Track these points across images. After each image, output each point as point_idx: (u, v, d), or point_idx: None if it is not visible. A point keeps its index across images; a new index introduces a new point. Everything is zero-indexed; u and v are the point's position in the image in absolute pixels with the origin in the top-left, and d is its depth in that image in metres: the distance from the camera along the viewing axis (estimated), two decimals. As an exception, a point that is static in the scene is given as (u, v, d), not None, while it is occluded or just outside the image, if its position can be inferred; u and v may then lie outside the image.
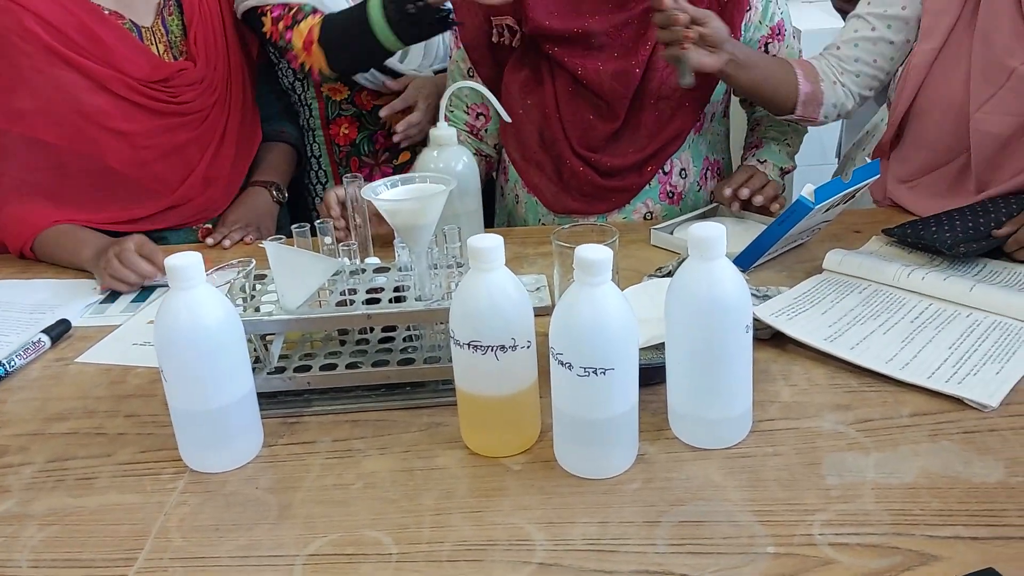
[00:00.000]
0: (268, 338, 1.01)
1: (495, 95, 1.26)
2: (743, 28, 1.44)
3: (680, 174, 1.50)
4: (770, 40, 1.47)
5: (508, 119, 1.28)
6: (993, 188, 1.36)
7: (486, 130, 1.57)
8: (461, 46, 1.52)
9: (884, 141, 1.49)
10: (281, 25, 1.58)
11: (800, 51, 1.52)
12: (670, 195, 1.51)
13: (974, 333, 1.05)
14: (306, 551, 0.79)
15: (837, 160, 1.76)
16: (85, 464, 0.94)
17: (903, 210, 1.47)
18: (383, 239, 1.23)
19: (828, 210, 1.24)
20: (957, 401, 0.94)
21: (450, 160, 1.24)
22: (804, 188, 1.16)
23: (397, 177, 0.99)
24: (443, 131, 1.25)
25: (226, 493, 0.88)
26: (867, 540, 0.76)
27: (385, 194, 0.96)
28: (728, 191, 1.41)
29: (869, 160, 1.23)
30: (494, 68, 1.50)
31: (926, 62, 1.38)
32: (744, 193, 1.40)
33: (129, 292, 1.34)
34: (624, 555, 0.76)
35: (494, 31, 1.48)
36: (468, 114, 1.56)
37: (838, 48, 1.46)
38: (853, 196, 1.26)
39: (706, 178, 1.55)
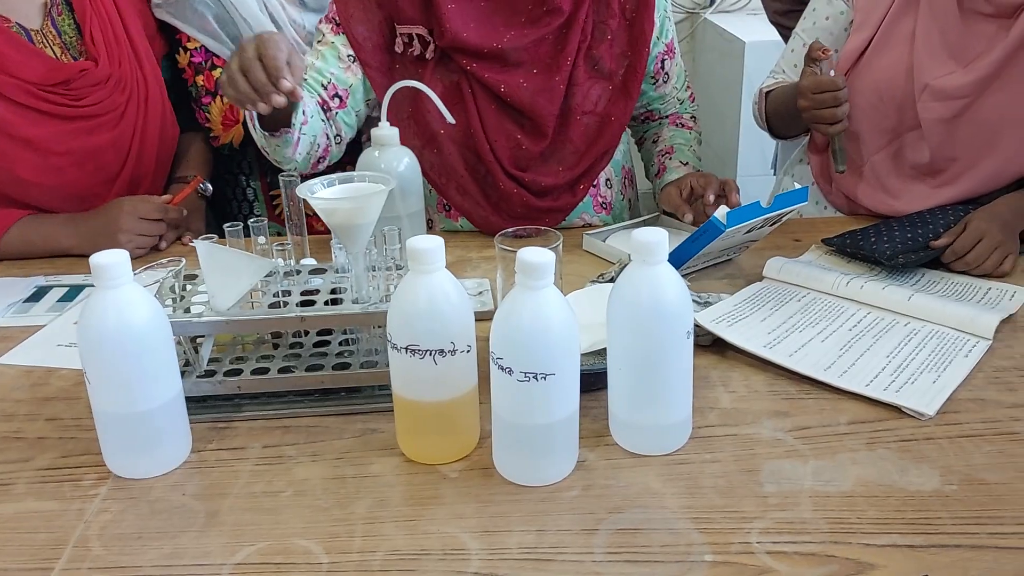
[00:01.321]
0: (198, 340, 0.97)
1: (380, 104, 1.23)
2: (651, 44, 1.45)
3: (607, 184, 1.50)
4: (666, 56, 1.49)
5: (452, 120, 1.26)
6: (949, 174, 1.39)
7: (337, 114, 1.42)
8: (342, 33, 1.41)
9: (820, 140, 1.51)
10: (200, 79, 1.56)
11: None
12: (604, 206, 1.50)
13: (912, 342, 1.06)
14: (233, 560, 0.76)
15: (773, 172, 1.77)
16: (1, 470, 0.89)
17: (844, 217, 1.49)
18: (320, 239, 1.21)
19: (751, 231, 1.23)
20: (894, 409, 0.94)
21: (392, 160, 1.22)
22: (718, 210, 1.15)
23: (335, 175, 0.97)
24: (385, 131, 1.23)
25: (151, 500, 0.84)
26: (804, 548, 0.76)
27: (322, 193, 0.94)
28: (678, 192, 1.39)
29: (797, 185, 1.22)
30: (387, 76, 1.41)
31: (857, 50, 1.41)
32: (699, 193, 1.37)
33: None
34: (560, 564, 0.75)
35: (398, 39, 1.40)
36: (326, 90, 1.41)
37: (783, 72, 1.49)
38: (779, 220, 1.25)
39: (625, 185, 1.55)
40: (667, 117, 1.59)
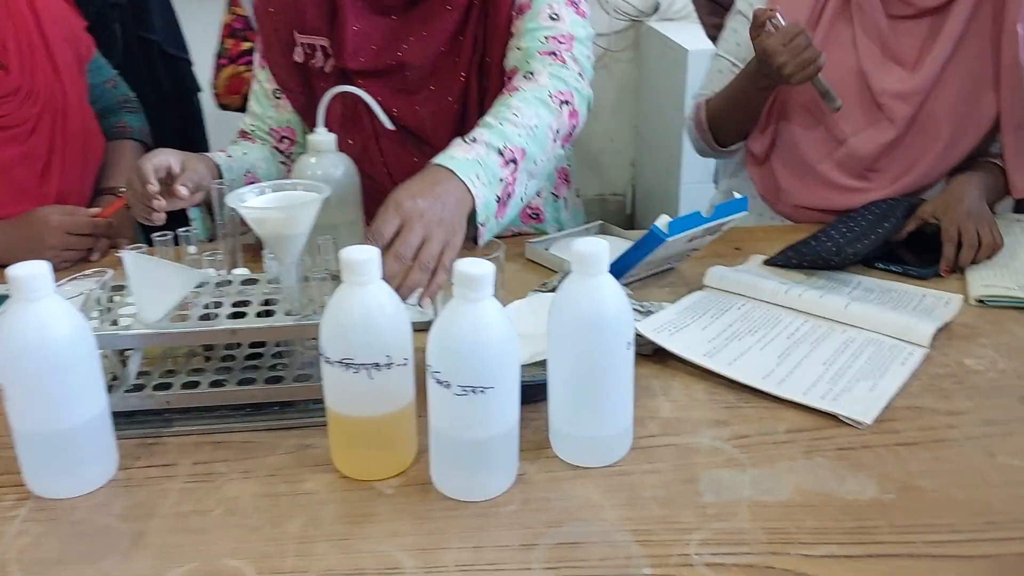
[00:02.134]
0: (126, 353, 0.94)
1: (308, 123, 1.21)
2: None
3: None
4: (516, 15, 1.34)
5: (392, 126, 1.24)
6: (896, 170, 1.43)
7: (293, 150, 1.45)
8: (266, 65, 1.41)
9: (759, 153, 1.52)
10: (229, 43, 1.52)
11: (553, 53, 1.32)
12: (533, 216, 1.47)
13: (848, 350, 1.07)
14: (159, 584, 0.73)
15: (714, 185, 1.78)
16: (-87, 492, 0.85)
17: (785, 226, 1.50)
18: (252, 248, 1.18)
19: (692, 240, 1.23)
20: (832, 417, 0.95)
21: (329, 167, 1.20)
22: (659, 219, 1.15)
23: (267, 183, 0.95)
24: (322, 137, 1.20)
25: (73, 521, 0.81)
26: (743, 560, 0.75)
27: (252, 201, 0.91)
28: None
29: (737, 195, 1.23)
30: (307, 95, 1.39)
31: None
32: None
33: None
34: (499, 581, 0.73)
35: (298, 48, 1.37)
36: (272, 135, 1.45)
37: (714, 92, 1.53)
38: (719, 229, 1.26)
39: (557, 187, 1.52)
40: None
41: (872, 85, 1.40)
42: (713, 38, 2.05)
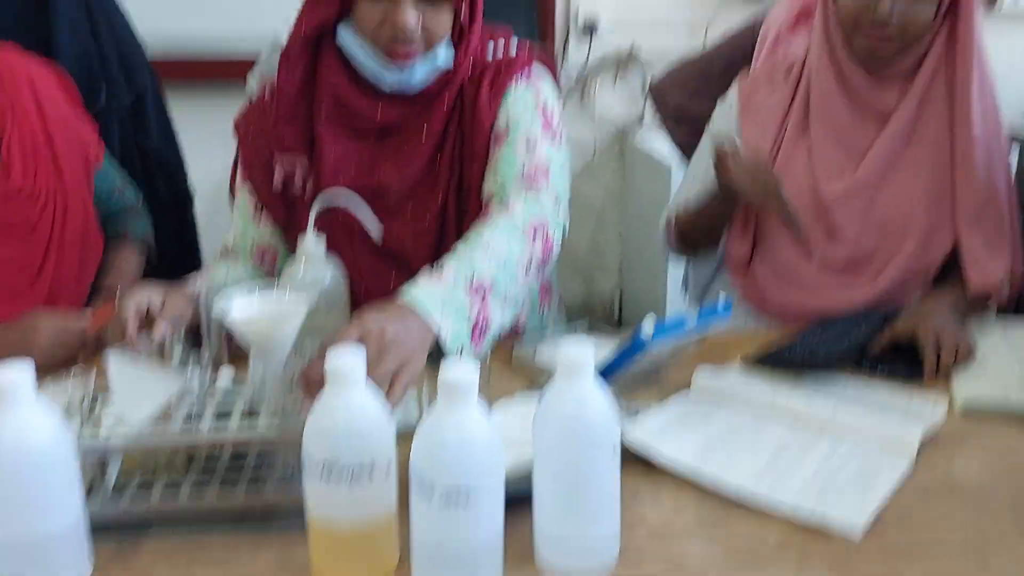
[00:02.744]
0: (106, 458, 0.92)
1: (290, 244, 1.22)
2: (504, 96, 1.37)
3: None
4: (495, 144, 1.37)
5: (377, 231, 1.25)
6: (869, 273, 1.47)
7: (277, 265, 1.45)
8: (247, 182, 1.43)
9: (740, 256, 1.55)
10: None
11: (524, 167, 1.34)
12: (512, 332, 1.44)
13: (836, 457, 1.06)
14: None
15: (684, 290, 1.80)
16: None
17: (771, 329, 1.52)
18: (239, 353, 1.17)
19: (678, 344, 1.23)
20: (823, 527, 0.93)
21: (317, 273, 1.20)
22: (645, 322, 1.16)
23: (255, 288, 0.95)
24: (310, 243, 1.21)
25: (42, 635, 0.78)
26: (735, 676, 0.73)
27: (239, 306, 0.92)
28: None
29: (722, 299, 1.25)
30: (286, 211, 1.40)
31: None
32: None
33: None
34: None
35: (278, 167, 1.38)
36: (254, 254, 1.45)
37: (686, 202, 1.58)
38: (705, 333, 1.26)
39: (542, 301, 1.52)
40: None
41: (822, 187, 1.46)
42: (677, 142, 2.10)
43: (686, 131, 2.04)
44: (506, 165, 1.32)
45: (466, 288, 1.12)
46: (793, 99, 1.52)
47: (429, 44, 1.30)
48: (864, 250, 1.47)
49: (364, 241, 1.35)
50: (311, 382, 0.89)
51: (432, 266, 1.15)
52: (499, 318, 1.17)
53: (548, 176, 1.32)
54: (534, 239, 1.24)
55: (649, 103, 2.13)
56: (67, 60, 1.70)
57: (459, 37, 1.34)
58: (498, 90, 1.36)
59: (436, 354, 1.04)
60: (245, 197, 1.44)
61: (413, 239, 1.36)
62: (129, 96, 1.85)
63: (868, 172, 1.45)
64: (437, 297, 1.08)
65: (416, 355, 1.01)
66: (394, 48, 1.28)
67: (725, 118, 1.60)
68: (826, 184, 1.46)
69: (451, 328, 1.07)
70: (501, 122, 1.36)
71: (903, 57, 1.42)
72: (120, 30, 1.86)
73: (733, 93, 1.60)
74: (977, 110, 1.42)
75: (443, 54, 1.33)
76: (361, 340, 0.95)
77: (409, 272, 1.32)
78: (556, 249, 1.29)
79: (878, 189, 1.45)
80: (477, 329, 1.12)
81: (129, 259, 1.61)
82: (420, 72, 1.32)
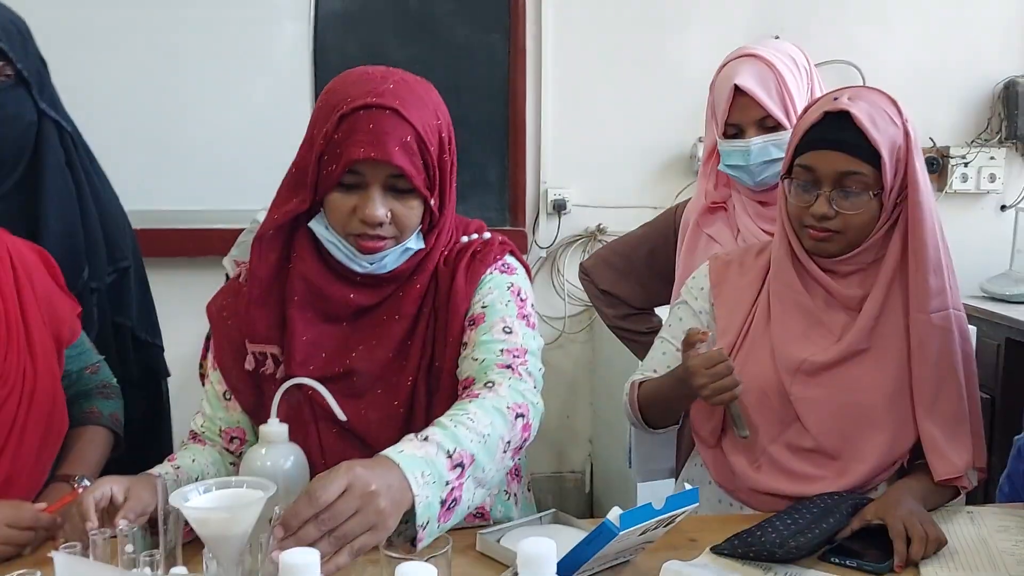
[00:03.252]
0: (44, 664, 0.88)
1: (256, 423, 1.21)
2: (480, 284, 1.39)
3: None
4: (470, 327, 1.38)
5: (344, 417, 1.25)
6: (844, 460, 1.46)
7: (243, 450, 1.43)
8: (217, 367, 1.43)
9: (708, 436, 1.55)
10: None
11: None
12: (477, 515, 1.42)
13: (809, 654, 1.03)
14: None
15: (628, 463, 1.80)
16: None
17: (739, 515, 1.50)
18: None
19: (645, 532, 1.21)
20: None
21: (278, 458, 1.19)
22: (611, 512, 1.15)
23: (213, 480, 0.93)
24: (274, 427, 1.20)
25: None
26: None
27: (196, 501, 0.90)
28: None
29: (688, 486, 1.24)
30: (256, 395, 1.39)
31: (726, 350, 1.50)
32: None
33: None
34: None
35: (249, 357, 1.39)
36: (222, 437, 1.44)
37: (654, 372, 1.60)
38: (672, 521, 1.25)
39: (509, 483, 1.49)
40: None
41: (783, 369, 1.48)
42: (614, 327, 2.15)
43: (615, 312, 2.12)
44: (486, 348, 1.33)
45: (447, 460, 1.12)
46: (764, 281, 1.56)
47: (399, 235, 1.33)
48: (828, 438, 1.47)
49: (330, 421, 1.33)
50: (288, 526, 0.91)
51: (416, 434, 1.15)
52: (469, 498, 1.16)
53: (527, 361, 1.34)
54: (515, 421, 1.24)
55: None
56: (53, 240, 1.72)
57: (430, 224, 1.37)
58: (473, 276, 1.39)
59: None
60: (215, 382, 1.44)
61: (381, 422, 1.35)
62: (111, 274, 1.86)
63: (833, 360, 1.46)
64: (420, 463, 1.08)
65: (388, 521, 1.02)
66: (364, 239, 1.31)
67: (691, 292, 1.63)
68: (789, 365, 1.48)
69: (426, 498, 1.06)
70: (476, 307, 1.38)
71: (856, 254, 1.46)
72: (107, 206, 1.88)
73: (703, 271, 1.64)
74: (933, 292, 1.44)
75: (414, 241, 1.36)
76: (347, 487, 0.97)
77: (374, 452, 1.31)
78: (533, 435, 1.29)
79: (841, 378, 1.47)
80: (446, 504, 1.11)
81: (94, 441, 1.58)
82: (391, 260, 1.35)
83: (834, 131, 1.41)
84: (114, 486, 1.16)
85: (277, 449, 1.18)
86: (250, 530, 0.89)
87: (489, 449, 1.18)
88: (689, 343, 1.44)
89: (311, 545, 0.92)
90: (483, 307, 1.37)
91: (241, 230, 2.06)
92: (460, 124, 1.40)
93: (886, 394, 1.45)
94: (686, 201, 2.01)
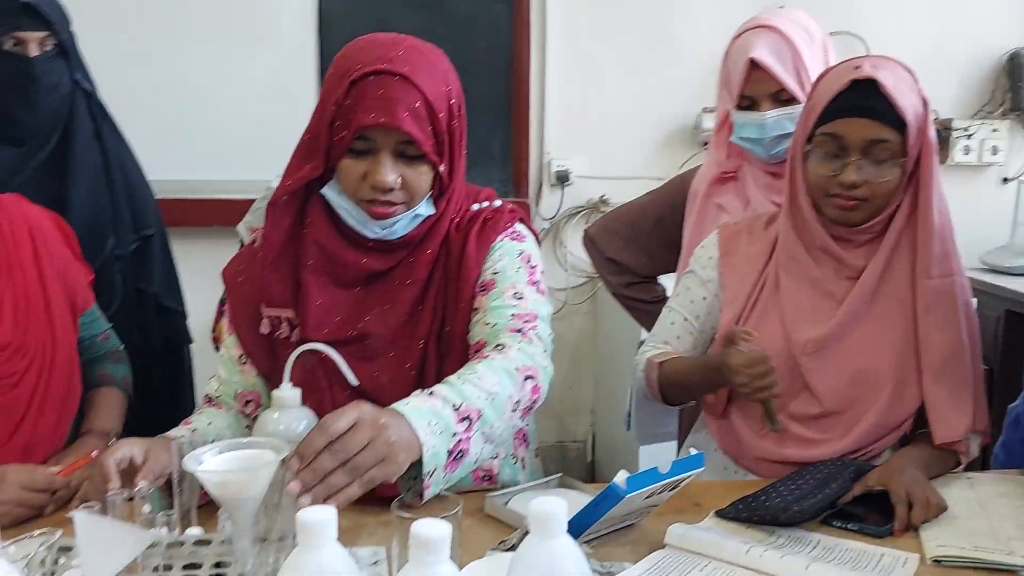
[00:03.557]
0: (65, 620, 0.90)
1: (270, 387, 1.25)
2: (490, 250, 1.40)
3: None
4: (480, 294, 1.40)
5: (356, 382, 1.27)
6: (843, 426, 1.48)
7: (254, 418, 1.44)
8: (232, 332, 1.45)
9: (716, 405, 1.57)
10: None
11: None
12: (485, 478, 1.46)
13: (811, 614, 1.05)
14: None
15: (627, 427, 1.82)
16: None
17: (743, 481, 1.52)
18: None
19: (650, 496, 1.23)
20: None
21: (291, 422, 1.21)
22: (618, 475, 1.17)
23: (226, 442, 0.95)
24: (287, 392, 1.22)
25: None
26: None
27: (209, 462, 0.91)
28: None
29: (693, 451, 1.26)
30: (271, 359, 1.40)
31: (732, 322, 1.53)
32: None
33: None
34: None
35: (265, 321, 1.40)
36: (238, 399, 1.46)
37: (666, 343, 1.62)
38: (677, 485, 1.27)
39: (515, 447, 1.51)
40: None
41: (793, 339, 1.49)
42: (618, 295, 2.16)
43: (620, 280, 2.12)
44: (497, 312, 1.36)
45: (453, 413, 1.15)
46: (773, 252, 1.57)
47: (410, 200, 1.34)
48: (836, 404, 1.48)
49: (343, 385, 1.35)
50: (303, 456, 0.96)
51: (423, 390, 1.18)
52: (476, 451, 1.19)
53: (537, 326, 1.36)
54: (524, 382, 1.27)
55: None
56: (82, 210, 1.76)
57: (440, 191, 1.39)
58: (484, 243, 1.41)
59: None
60: (230, 346, 1.46)
61: (393, 385, 1.37)
62: (135, 242, 1.89)
63: (839, 328, 1.48)
64: (427, 414, 1.12)
65: (399, 455, 1.07)
66: (375, 205, 1.32)
67: (700, 262, 1.64)
68: (798, 339, 1.49)
69: (433, 446, 1.10)
70: (487, 273, 1.40)
71: (874, 223, 1.46)
72: (132, 175, 1.91)
73: (712, 240, 1.65)
74: (939, 258, 1.46)
75: (425, 207, 1.37)
76: (356, 422, 1.02)
77: None
78: (543, 397, 1.32)
79: (849, 345, 1.48)
80: (453, 455, 1.15)
81: (113, 402, 1.61)
82: (402, 225, 1.36)
83: (863, 98, 1.40)
84: (133, 448, 1.19)
85: (290, 413, 1.20)
86: (263, 491, 0.91)
87: (497, 406, 1.21)
88: (730, 339, 1.45)
89: (325, 478, 0.97)
90: (494, 273, 1.39)
91: (253, 200, 2.06)
92: (463, 94, 1.40)
93: (890, 357, 1.47)
94: (694, 170, 2.00)
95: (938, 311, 1.47)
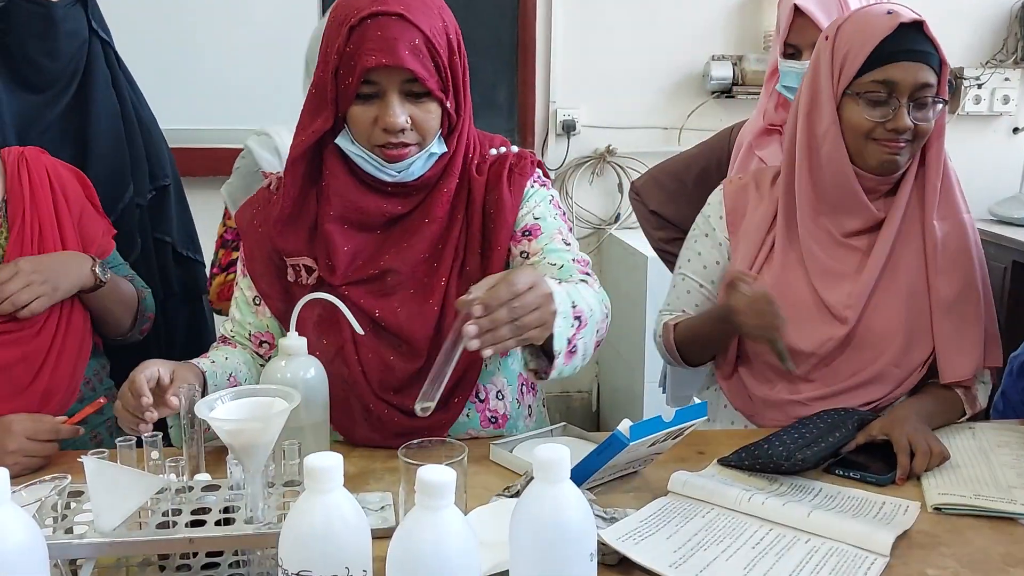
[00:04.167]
0: (78, 563, 0.92)
1: (286, 329, 1.27)
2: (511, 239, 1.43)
3: (497, 396, 1.48)
4: (525, 239, 1.42)
5: (362, 331, 1.28)
6: (852, 381, 1.49)
7: (268, 358, 1.47)
8: (247, 274, 1.47)
9: (726, 363, 1.57)
10: (221, 253, 1.68)
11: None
12: (492, 420, 1.47)
13: (813, 559, 1.06)
14: None
15: (662, 389, 1.82)
16: None
17: (745, 430, 1.53)
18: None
19: (654, 444, 1.24)
20: (798, 632, 0.93)
21: (298, 370, 1.22)
22: (622, 423, 1.18)
23: (235, 389, 0.96)
24: (293, 340, 1.23)
25: None
26: None
27: (221, 410, 0.92)
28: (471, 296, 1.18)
29: (697, 400, 1.26)
30: (286, 302, 1.41)
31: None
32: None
33: None
34: None
35: (290, 270, 1.42)
36: (252, 340, 1.48)
37: (682, 312, 1.62)
38: (681, 433, 1.28)
39: (523, 393, 1.52)
40: None
41: (824, 298, 1.48)
42: (659, 250, 2.14)
43: (663, 235, 2.09)
44: (558, 255, 1.41)
45: (571, 309, 1.24)
46: (779, 208, 1.56)
47: (422, 140, 1.35)
48: (850, 349, 1.48)
49: (364, 318, 1.37)
50: (488, 306, 1.11)
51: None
52: (582, 352, 1.28)
53: (592, 273, 1.42)
54: (605, 317, 1.37)
55: (626, 201, 2.18)
56: (101, 159, 1.78)
57: (450, 128, 1.39)
58: (517, 189, 1.43)
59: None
60: (244, 288, 1.47)
61: (413, 319, 1.39)
62: (152, 192, 1.91)
63: (864, 286, 1.47)
64: (562, 294, 1.21)
65: (552, 325, 1.18)
66: (389, 149, 1.33)
67: (709, 223, 1.63)
68: (830, 298, 1.49)
69: (560, 328, 1.19)
70: (528, 218, 1.43)
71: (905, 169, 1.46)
72: (147, 124, 1.92)
73: (718, 199, 1.63)
74: (948, 198, 1.48)
75: (437, 145, 1.38)
76: (533, 284, 1.14)
77: (409, 350, 1.38)
78: (605, 335, 1.39)
79: (872, 295, 1.48)
80: (571, 343, 1.23)
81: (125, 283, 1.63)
82: (418, 166, 1.37)
83: (912, 42, 1.39)
84: (160, 367, 1.22)
85: (297, 361, 1.21)
86: (275, 439, 0.92)
87: (593, 322, 1.29)
88: (729, 283, 1.45)
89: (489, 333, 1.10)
90: (535, 218, 1.43)
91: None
92: (469, 44, 1.40)
93: (903, 306, 1.48)
94: (743, 121, 1.97)
95: (948, 250, 1.47)
